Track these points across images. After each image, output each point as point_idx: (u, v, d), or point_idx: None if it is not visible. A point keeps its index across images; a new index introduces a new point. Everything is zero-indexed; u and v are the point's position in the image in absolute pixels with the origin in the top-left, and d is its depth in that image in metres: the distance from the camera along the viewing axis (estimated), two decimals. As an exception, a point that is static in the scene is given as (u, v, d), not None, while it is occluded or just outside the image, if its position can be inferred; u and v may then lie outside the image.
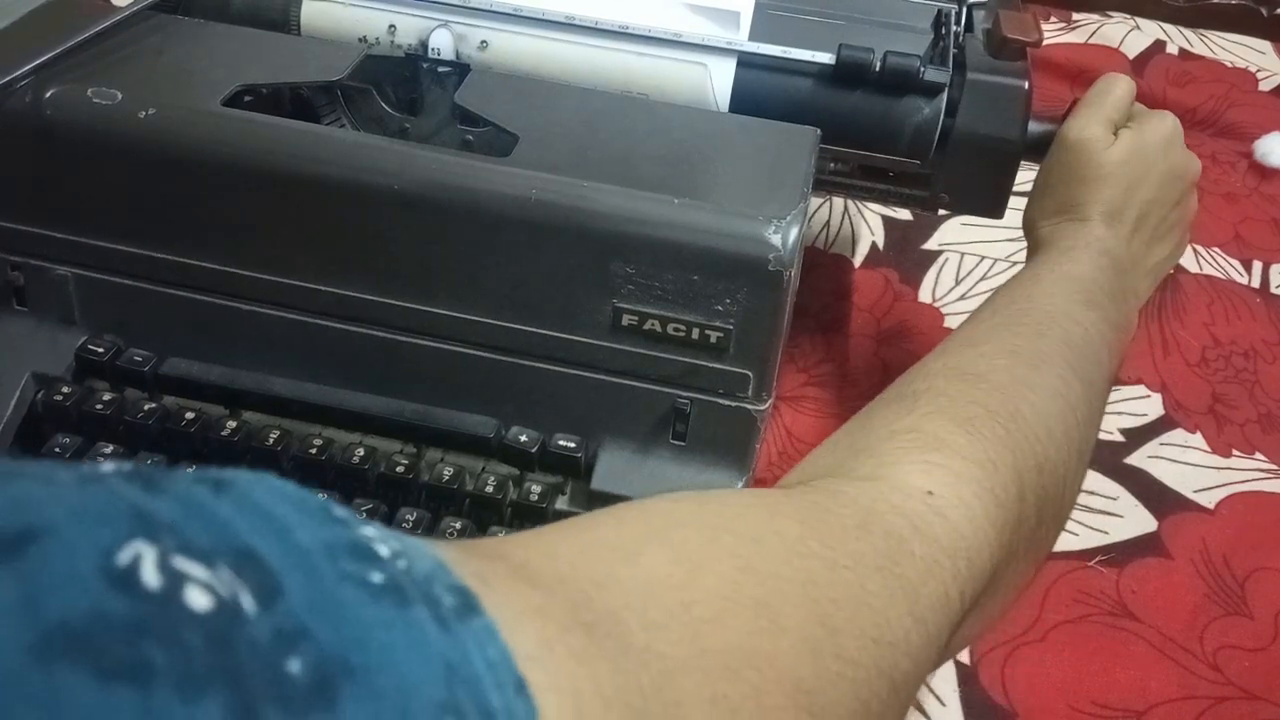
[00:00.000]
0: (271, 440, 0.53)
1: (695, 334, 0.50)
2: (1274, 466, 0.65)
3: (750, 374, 0.51)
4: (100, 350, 0.54)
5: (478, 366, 0.52)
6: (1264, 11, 1.01)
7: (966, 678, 0.53)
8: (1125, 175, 0.53)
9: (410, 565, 0.21)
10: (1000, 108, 0.57)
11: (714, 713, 0.26)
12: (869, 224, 0.79)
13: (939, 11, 0.61)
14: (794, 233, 0.48)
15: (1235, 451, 0.66)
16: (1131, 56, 0.98)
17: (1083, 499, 0.62)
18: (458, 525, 0.51)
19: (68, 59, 0.52)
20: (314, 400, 0.54)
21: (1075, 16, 1.02)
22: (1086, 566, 0.58)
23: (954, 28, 0.60)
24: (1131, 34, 1.00)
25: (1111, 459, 0.64)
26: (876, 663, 0.31)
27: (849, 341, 0.71)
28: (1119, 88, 0.56)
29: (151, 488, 0.20)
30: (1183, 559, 0.59)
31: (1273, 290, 0.77)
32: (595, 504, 0.52)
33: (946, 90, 0.57)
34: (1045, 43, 0.64)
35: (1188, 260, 0.78)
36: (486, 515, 0.52)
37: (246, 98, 0.54)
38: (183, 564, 0.18)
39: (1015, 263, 0.76)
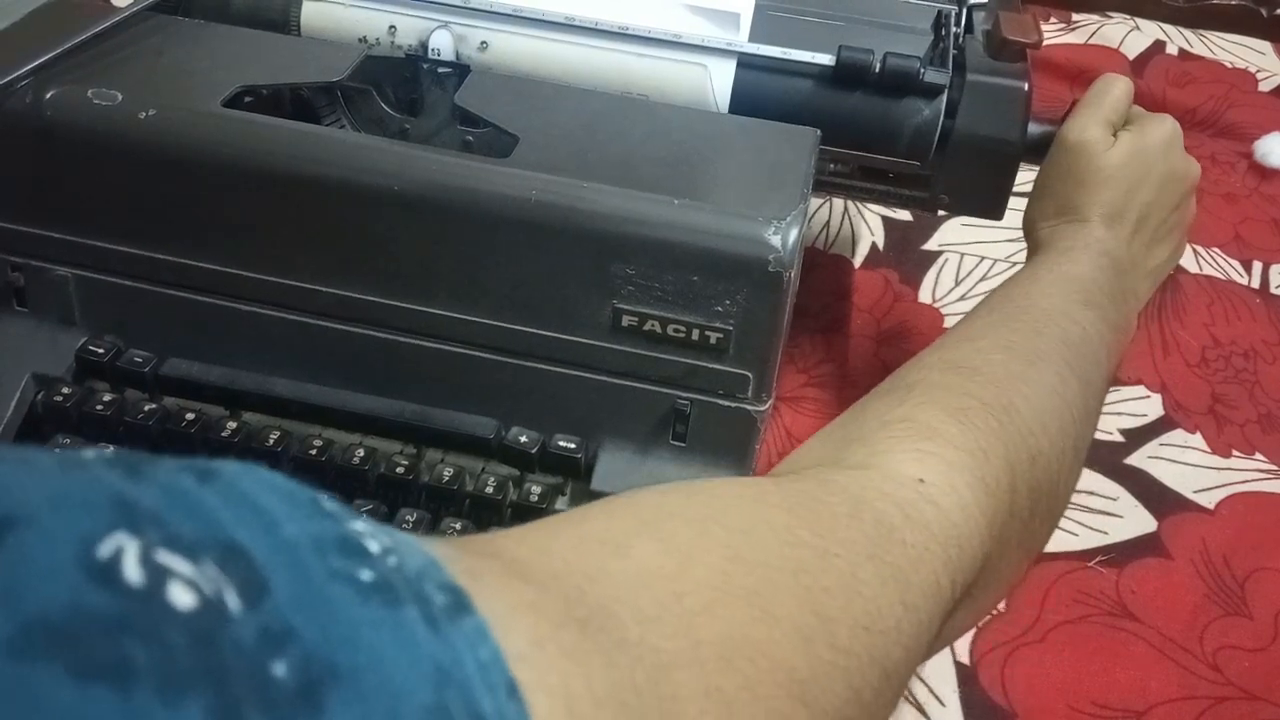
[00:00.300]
0: (272, 441, 0.53)
1: (695, 335, 0.50)
2: (1274, 467, 0.65)
3: (750, 375, 0.51)
4: (100, 351, 0.54)
5: (478, 367, 0.52)
6: (1264, 12, 1.01)
7: (966, 678, 0.53)
8: (1125, 177, 0.53)
9: (401, 562, 0.21)
10: (1000, 109, 0.57)
11: (709, 706, 0.25)
12: (869, 225, 0.79)
13: (939, 13, 0.61)
14: (794, 233, 0.48)
15: (1235, 452, 0.66)
16: (1131, 57, 0.98)
17: (1082, 499, 0.62)
18: (458, 526, 0.51)
19: (68, 59, 0.52)
20: (314, 401, 0.54)
21: (1075, 17, 1.02)
22: (1086, 567, 0.58)
23: (954, 29, 0.60)
24: (1131, 34, 1.00)
25: (1111, 459, 0.64)
26: (869, 651, 0.30)
27: (849, 342, 0.71)
28: (1117, 88, 0.57)
29: (134, 475, 0.19)
30: (1183, 559, 0.59)
31: (1273, 290, 0.77)
32: (595, 505, 0.52)
33: (946, 91, 0.57)
34: (1045, 43, 0.64)
35: (1188, 260, 0.78)
36: (486, 516, 0.52)
37: (247, 98, 0.54)
38: (166, 559, 0.18)
39: (1015, 264, 0.76)
